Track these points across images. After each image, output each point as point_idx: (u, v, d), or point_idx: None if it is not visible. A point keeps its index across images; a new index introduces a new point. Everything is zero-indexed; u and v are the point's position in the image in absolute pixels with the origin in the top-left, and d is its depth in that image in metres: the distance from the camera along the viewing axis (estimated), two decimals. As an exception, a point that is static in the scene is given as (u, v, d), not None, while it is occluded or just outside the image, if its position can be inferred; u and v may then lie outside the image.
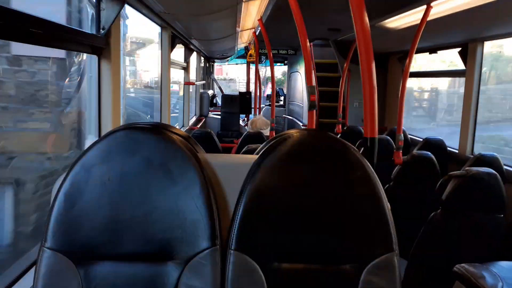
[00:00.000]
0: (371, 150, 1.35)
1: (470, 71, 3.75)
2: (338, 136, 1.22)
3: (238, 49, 7.15)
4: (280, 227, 1.14)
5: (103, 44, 1.79)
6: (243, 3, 2.87)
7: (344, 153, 1.17)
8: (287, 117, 8.62)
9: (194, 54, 5.45)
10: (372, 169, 1.18)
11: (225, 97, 6.76)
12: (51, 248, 1.08)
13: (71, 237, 1.08)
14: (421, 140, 4.08)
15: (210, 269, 1.11)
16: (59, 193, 1.10)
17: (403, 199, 3.05)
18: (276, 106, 9.81)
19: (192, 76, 5.98)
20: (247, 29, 4.72)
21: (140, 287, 1.10)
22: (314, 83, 2.25)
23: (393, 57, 5.45)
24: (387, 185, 3.17)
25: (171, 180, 1.12)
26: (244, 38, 5.65)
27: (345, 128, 5.04)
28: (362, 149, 1.42)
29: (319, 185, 1.15)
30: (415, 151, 3.09)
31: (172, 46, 3.47)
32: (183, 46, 4.63)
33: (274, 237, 1.14)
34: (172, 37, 3.53)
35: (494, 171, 2.35)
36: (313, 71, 2.37)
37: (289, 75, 8.81)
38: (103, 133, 1.84)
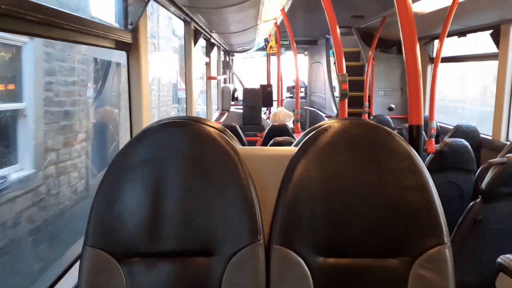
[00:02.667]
0: (417, 139, 1.29)
1: (503, 54, 3.59)
2: None
3: (258, 42, 7.10)
4: (324, 220, 1.10)
5: (131, 39, 1.78)
6: (266, -7, 2.81)
7: (389, 142, 1.12)
8: (309, 108, 8.52)
9: (215, 49, 5.43)
10: (420, 159, 1.13)
11: (246, 91, 6.73)
12: (93, 246, 1.07)
13: (113, 235, 1.07)
14: (452, 127, 3.95)
15: (254, 265, 1.08)
16: (99, 192, 1.09)
17: (438, 189, 2.95)
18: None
19: (213, 70, 5.96)
20: (268, 21, 4.66)
21: (184, 283, 1.08)
22: (345, 71, 2.19)
23: (419, 42, 5.29)
24: None
25: (211, 175, 1.10)
26: (265, 30, 5.59)
27: (371, 118, 4.93)
28: None
29: (364, 176, 1.10)
30: (448, 139, 2.98)
31: (195, 41, 3.45)
32: (205, 41, 4.61)
33: (319, 231, 1.10)
34: (194, 32, 3.51)
35: None
36: (343, 59, 2.30)
37: (310, 65, 8.69)
38: (134, 130, 1.83)
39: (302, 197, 1.11)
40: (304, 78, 9.30)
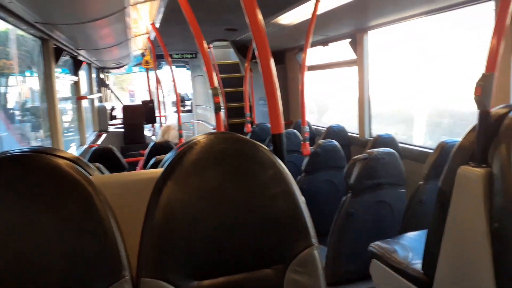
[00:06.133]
0: (280, 147, 1.34)
1: (360, 60, 4.01)
2: (249, 135, 1.18)
3: (135, 57, 6.83)
4: (195, 242, 1.05)
5: None
6: (130, 7, 2.69)
7: (254, 154, 1.12)
8: (196, 121, 8.48)
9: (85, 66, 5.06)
10: (284, 166, 1.15)
11: (126, 108, 6.40)
12: None
13: None
14: (325, 129, 4.28)
15: None
16: None
17: (315, 188, 3.15)
18: (183, 111, 9.59)
19: (84, 89, 5.54)
20: (141, 35, 4.50)
21: None
22: (216, 84, 2.20)
23: (290, 52, 5.65)
24: (299, 177, 3.26)
25: (62, 213, 0.96)
26: (139, 44, 5.39)
27: (254, 126, 5.09)
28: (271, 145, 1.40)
29: (232, 190, 1.09)
30: (320, 141, 3.21)
31: (57, 59, 3.14)
32: (71, 59, 4.25)
33: (190, 254, 1.05)
34: (56, 50, 3.20)
35: (392, 150, 2.53)
36: (214, 73, 2.31)
37: (193, 78, 8.67)
38: None
39: (170, 222, 1.04)
40: (189, 91, 9.24)
